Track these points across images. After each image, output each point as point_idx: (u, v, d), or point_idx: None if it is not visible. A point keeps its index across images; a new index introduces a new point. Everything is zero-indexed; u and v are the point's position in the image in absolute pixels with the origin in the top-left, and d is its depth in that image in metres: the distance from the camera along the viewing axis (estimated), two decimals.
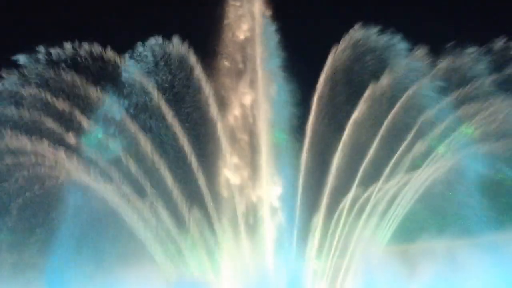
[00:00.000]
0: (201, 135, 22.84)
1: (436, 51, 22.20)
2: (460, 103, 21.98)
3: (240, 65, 23.29)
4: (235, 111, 23.13)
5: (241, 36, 23.35)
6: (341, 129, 22.49)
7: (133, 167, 22.27)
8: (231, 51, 23.34)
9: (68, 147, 21.83)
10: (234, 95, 23.27)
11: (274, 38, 22.93)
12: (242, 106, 23.13)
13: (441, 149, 22.03)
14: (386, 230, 22.31)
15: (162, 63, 22.83)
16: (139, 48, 22.52)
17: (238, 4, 23.64)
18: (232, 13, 23.61)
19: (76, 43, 21.92)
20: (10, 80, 21.61)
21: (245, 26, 23.38)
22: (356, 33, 22.50)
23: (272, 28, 23.01)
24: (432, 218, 22.51)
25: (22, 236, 22.17)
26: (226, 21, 23.46)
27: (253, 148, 22.81)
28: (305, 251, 22.38)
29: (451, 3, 33.05)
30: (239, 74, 23.29)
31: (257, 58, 23.02)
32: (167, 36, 22.51)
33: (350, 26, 22.60)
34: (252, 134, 22.92)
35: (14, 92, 21.63)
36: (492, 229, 21.52)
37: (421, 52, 22.11)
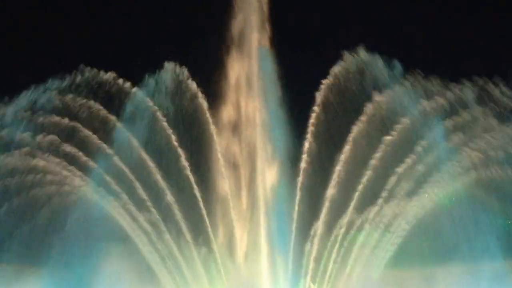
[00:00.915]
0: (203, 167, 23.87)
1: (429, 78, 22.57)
2: (454, 131, 22.22)
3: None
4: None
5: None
6: (336, 155, 23.04)
7: (139, 188, 23.18)
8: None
9: (78, 167, 23.02)
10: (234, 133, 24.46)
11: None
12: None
13: (436, 176, 22.18)
14: (382, 255, 22.41)
15: (168, 91, 23.97)
16: (146, 76, 23.75)
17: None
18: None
19: (88, 71, 23.30)
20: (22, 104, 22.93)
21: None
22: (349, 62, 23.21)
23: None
24: (428, 244, 22.41)
25: (35, 250, 22.97)
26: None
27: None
28: (300, 275, 22.71)
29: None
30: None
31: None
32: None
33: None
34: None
35: (25, 115, 22.94)
36: (488, 256, 21.33)
37: (414, 78, 22.55)
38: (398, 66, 22.18)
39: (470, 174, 22.03)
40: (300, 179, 22.90)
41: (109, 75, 23.39)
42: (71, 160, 23.06)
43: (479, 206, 21.27)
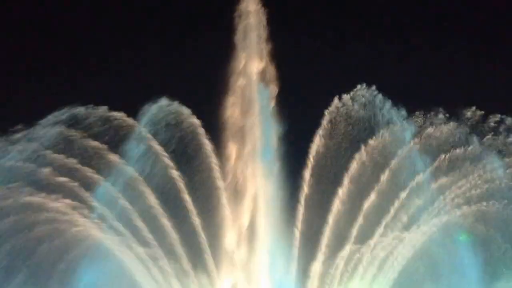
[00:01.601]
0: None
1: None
2: (449, 167, 23.14)
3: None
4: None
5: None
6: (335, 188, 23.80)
7: (140, 223, 23.49)
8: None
9: (81, 204, 23.16)
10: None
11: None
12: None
13: (432, 209, 22.99)
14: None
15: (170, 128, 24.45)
16: (147, 112, 24.23)
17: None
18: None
19: (89, 107, 23.75)
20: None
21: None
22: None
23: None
24: (427, 274, 23.11)
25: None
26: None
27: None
28: None
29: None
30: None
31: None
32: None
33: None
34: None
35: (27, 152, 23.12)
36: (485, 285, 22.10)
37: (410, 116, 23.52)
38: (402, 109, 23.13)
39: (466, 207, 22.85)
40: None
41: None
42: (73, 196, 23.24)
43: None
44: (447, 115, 23.74)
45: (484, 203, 22.88)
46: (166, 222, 23.40)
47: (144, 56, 34.63)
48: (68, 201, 23.00)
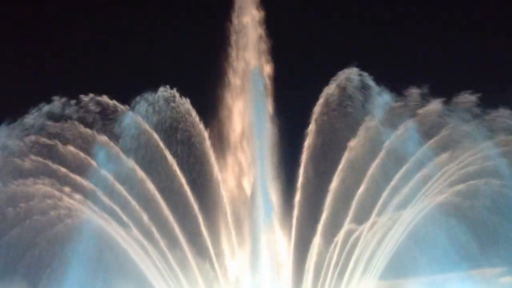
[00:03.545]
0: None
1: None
2: (443, 147, 23.53)
3: None
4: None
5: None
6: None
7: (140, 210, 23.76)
8: None
9: (80, 192, 23.48)
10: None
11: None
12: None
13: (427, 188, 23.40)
14: (377, 266, 23.59)
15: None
16: (147, 99, 24.46)
17: None
18: None
19: (86, 96, 23.90)
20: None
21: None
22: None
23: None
24: (420, 253, 23.61)
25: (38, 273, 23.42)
26: None
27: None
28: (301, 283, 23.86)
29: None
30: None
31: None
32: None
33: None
34: None
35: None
36: (477, 263, 22.60)
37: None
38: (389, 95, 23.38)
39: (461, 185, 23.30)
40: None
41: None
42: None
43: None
44: (441, 96, 23.99)
45: (476, 181, 23.33)
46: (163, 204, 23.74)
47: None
48: (66, 188, 23.36)
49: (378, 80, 24.04)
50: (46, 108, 23.68)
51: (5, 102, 29.72)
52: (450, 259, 22.22)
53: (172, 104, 24.70)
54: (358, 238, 23.57)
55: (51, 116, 23.79)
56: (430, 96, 23.65)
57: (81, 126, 23.90)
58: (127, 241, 23.01)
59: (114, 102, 24.17)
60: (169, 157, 24.26)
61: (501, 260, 22.40)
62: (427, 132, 23.55)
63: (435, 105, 23.64)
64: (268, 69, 26.95)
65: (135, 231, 23.01)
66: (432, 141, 23.31)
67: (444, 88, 24.08)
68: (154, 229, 23.31)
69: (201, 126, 24.87)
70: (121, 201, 23.23)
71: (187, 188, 24.10)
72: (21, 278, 22.76)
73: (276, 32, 27.09)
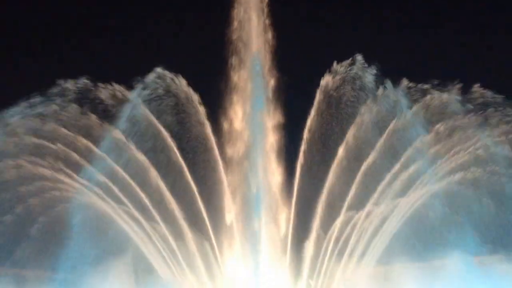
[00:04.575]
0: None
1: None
2: (442, 136, 23.67)
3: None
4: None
5: None
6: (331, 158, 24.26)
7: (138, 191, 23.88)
8: None
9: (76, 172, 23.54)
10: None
11: None
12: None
13: (426, 176, 23.53)
14: (374, 252, 23.75)
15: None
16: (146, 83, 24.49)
17: None
18: None
19: (85, 80, 23.96)
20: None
21: None
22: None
23: None
24: (417, 240, 23.76)
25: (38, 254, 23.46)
26: None
27: None
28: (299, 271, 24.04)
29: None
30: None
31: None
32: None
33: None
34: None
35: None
36: (475, 250, 22.73)
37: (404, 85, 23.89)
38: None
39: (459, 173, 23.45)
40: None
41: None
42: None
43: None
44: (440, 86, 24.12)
45: (474, 170, 23.48)
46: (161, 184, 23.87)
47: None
48: (67, 170, 23.41)
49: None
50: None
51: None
52: (447, 245, 22.41)
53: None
54: (355, 225, 23.71)
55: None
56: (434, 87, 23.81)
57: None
58: (123, 217, 23.08)
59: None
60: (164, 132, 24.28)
61: (499, 247, 22.54)
62: (430, 120, 23.76)
63: (439, 94, 23.82)
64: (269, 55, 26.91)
65: (131, 209, 23.15)
66: (433, 129, 23.55)
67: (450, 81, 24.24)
68: (147, 202, 23.52)
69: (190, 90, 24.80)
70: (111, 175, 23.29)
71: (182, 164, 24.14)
72: (15, 262, 22.87)
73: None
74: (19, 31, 35.23)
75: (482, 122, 23.67)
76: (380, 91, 24.25)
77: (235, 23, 26.81)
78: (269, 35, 26.64)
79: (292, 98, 25.79)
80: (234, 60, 26.34)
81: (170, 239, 23.74)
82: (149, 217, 23.70)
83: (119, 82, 24.43)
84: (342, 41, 32.37)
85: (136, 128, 24.17)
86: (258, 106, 24.50)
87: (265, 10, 27.02)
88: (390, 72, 24.29)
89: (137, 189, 23.61)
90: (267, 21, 26.93)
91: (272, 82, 26.10)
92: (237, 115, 25.90)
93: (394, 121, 23.85)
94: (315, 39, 32.42)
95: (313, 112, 24.72)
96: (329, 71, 24.76)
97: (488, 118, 23.77)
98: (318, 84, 24.75)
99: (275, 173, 24.72)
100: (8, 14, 34.71)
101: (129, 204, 23.47)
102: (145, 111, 24.39)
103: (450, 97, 23.79)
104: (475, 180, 23.28)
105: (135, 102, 24.22)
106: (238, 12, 26.89)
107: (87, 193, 23.30)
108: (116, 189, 23.44)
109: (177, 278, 23.63)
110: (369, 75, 24.17)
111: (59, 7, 34.97)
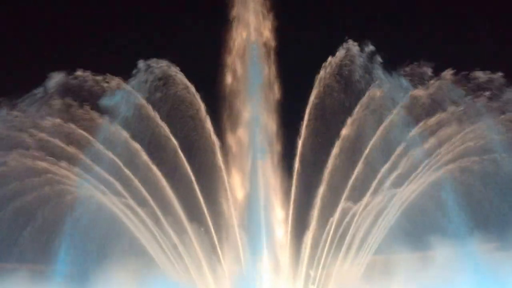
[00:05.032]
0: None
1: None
2: (439, 125, 23.78)
3: None
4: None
5: None
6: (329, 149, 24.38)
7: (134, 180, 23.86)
8: None
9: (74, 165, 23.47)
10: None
11: None
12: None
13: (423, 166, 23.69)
14: (372, 243, 23.98)
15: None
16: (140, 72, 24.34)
17: None
18: None
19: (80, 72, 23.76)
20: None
21: None
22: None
23: None
24: (414, 229, 24.00)
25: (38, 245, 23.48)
26: None
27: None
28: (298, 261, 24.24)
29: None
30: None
31: None
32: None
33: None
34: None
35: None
36: (471, 238, 23.00)
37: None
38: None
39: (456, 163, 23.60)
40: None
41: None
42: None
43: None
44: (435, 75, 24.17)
45: (471, 159, 23.69)
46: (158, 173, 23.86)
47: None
48: (64, 163, 23.35)
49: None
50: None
51: None
52: (444, 235, 22.65)
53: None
54: (353, 216, 23.89)
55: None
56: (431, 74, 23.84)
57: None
58: (121, 209, 23.12)
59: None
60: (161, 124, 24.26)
61: (495, 235, 22.83)
62: (427, 110, 23.85)
63: (436, 82, 23.86)
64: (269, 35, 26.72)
65: (129, 200, 23.17)
66: (432, 119, 23.63)
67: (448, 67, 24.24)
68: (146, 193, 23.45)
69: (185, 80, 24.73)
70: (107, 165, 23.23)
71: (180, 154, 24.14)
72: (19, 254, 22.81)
73: None
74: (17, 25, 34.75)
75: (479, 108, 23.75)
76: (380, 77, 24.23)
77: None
78: None
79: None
80: None
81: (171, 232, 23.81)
82: (149, 211, 23.71)
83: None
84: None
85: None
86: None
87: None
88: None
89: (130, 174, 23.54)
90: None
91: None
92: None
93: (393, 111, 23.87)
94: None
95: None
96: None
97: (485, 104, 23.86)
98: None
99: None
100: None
101: (128, 197, 23.45)
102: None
103: (446, 83, 23.84)
104: (472, 168, 23.47)
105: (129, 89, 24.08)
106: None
107: (87, 187, 23.28)
108: (115, 182, 23.44)
109: (177, 269, 23.76)
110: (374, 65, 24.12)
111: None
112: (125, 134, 24.08)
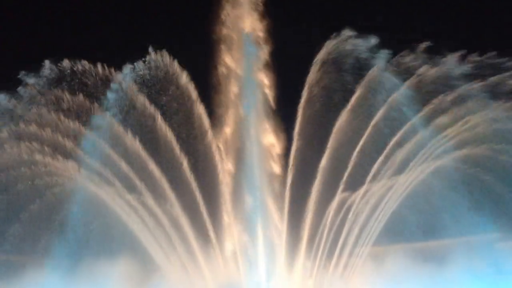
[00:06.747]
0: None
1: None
2: (440, 111, 22.91)
3: None
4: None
5: None
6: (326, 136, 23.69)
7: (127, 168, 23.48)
8: None
9: (67, 157, 23.23)
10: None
11: None
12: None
13: (422, 154, 22.92)
14: (371, 232, 23.28)
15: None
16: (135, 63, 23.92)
17: None
18: None
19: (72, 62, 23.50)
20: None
21: None
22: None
23: None
24: (414, 219, 23.30)
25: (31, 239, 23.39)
26: None
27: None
28: (296, 251, 23.75)
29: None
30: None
31: None
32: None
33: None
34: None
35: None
36: (473, 229, 22.29)
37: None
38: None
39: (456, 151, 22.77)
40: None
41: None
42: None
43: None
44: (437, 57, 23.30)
45: (473, 146, 22.84)
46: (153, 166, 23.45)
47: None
48: (58, 156, 23.12)
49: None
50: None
51: None
52: (445, 225, 22.02)
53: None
54: (351, 205, 23.28)
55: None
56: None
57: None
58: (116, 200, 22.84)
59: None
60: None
61: (497, 226, 22.07)
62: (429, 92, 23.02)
63: (434, 68, 23.03)
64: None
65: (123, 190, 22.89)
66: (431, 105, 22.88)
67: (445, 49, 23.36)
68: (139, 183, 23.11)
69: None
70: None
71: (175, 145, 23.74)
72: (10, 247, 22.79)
73: None
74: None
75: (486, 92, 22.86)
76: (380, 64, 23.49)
77: None
78: None
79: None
80: None
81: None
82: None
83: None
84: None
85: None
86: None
87: None
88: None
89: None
90: None
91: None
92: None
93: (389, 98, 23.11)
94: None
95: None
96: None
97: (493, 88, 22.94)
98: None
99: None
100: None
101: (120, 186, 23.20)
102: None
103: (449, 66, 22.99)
104: (476, 157, 22.59)
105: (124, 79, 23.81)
106: None
107: (82, 178, 23.09)
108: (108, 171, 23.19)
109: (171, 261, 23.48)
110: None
111: None
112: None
